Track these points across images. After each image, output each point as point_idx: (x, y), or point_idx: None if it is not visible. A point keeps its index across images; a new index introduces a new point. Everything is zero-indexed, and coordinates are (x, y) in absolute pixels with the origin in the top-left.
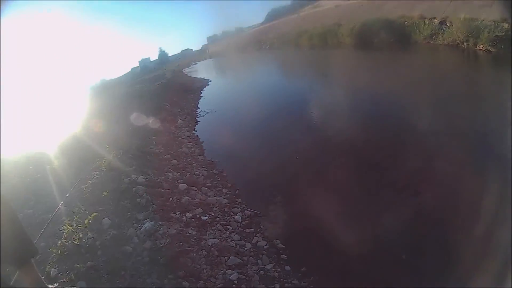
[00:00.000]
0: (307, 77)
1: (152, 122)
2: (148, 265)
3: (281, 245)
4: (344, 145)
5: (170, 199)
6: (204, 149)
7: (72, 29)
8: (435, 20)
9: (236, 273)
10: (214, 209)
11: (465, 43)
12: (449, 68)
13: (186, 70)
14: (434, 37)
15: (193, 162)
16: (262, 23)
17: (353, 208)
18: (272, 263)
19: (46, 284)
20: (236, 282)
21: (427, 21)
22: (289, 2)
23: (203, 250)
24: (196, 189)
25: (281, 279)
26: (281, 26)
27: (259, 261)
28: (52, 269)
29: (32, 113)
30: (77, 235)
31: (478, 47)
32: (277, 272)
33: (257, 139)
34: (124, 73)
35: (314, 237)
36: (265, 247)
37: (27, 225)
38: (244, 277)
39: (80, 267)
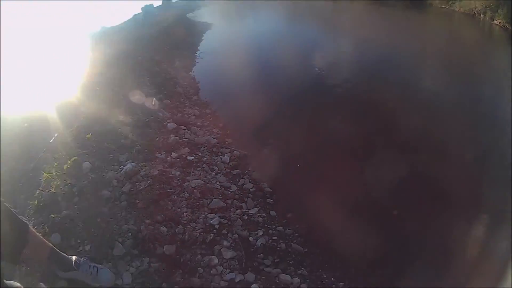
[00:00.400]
0: (310, 26)
1: (147, 64)
2: (125, 210)
3: (268, 189)
4: (342, 95)
5: (157, 138)
6: (200, 89)
7: None
8: None
9: (217, 217)
10: (202, 149)
11: (482, 15)
12: (462, 38)
13: (190, 15)
14: (450, 2)
15: (186, 102)
16: None
17: (348, 160)
18: (257, 207)
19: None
20: (217, 227)
21: None
22: None
23: (186, 192)
24: (186, 128)
25: (265, 225)
26: None
27: (243, 204)
28: (28, 223)
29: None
30: (55, 183)
31: (495, 21)
32: (261, 217)
33: (255, 81)
34: (126, 20)
35: (305, 184)
36: (251, 190)
37: (9, 179)
38: (226, 221)
39: (55, 217)
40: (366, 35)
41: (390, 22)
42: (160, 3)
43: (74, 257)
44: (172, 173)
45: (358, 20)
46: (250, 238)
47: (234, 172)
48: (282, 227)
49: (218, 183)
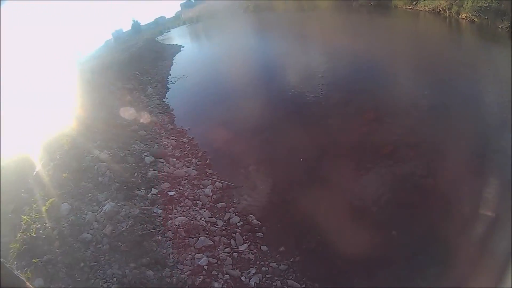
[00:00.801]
0: (279, 39)
1: (119, 93)
2: (108, 253)
3: (256, 221)
4: (320, 110)
5: (135, 174)
6: (174, 117)
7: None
8: None
9: (206, 257)
10: (183, 182)
11: (447, 11)
12: (431, 34)
13: (159, 38)
14: (415, 2)
15: (162, 132)
16: None
17: (335, 178)
18: (247, 242)
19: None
20: (206, 267)
21: None
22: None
23: (170, 231)
24: (164, 161)
25: (257, 262)
26: None
27: (232, 241)
28: (12, 267)
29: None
30: (35, 226)
31: (460, 16)
32: (252, 254)
33: (229, 104)
34: (98, 47)
35: (293, 212)
36: (238, 224)
37: None
38: (215, 261)
39: (37, 262)
40: (337, 43)
41: (358, 27)
42: (129, 27)
43: None
44: (154, 211)
45: (328, 28)
46: (243, 278)
47: (219, 205)
48: (275, 263)
49: (203, 219)
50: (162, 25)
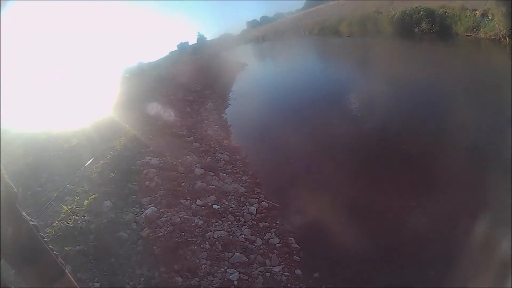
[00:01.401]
0: (343, 66)
1: (179, 104)
2: (141, 255)
3: (295, 245)
4: (378, 140)
5: (183, 183)
6: (231, 133)
7: (112, 11)
8: (477, 11)
9: (237, 273)
10: (229, 197)
11: (507, 38)
12: (493, 65)
13: (224, 54)
14: (475, 29)
15: (217, 146)
16: (301, 9)
17: (383, 211)
18: (282, 264)
19: None
20: (236, 282)
21: (468, 13)
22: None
23: (207, 243)
24: (214, 174)
25: (289, 284)
26: (320, 12)
27: (267, 261)
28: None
29: (65, 91)
30: (73, 217)
31: None
32: (285, 276)
33: (288, 127)
34: (162, 57)
35: (335, 241)
36: (277, 245)
37: (33, 203)
38: (246, 277)
39: (69, 250)
40: (398, 72)
41: (420, 56)
42: (195, 41)
43: None
44: (195, 221)
45: (389, 56)
46: None
47: (261, 224)
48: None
49: (243, 235)
50: (227, 42)
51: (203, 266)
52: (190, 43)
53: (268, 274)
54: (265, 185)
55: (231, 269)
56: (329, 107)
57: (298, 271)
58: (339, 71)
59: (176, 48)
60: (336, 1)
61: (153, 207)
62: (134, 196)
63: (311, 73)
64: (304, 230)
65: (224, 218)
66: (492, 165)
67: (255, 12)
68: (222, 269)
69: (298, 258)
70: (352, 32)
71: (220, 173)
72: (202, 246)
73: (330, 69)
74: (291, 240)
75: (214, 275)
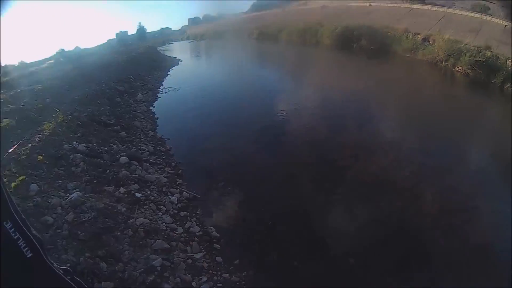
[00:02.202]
0: (276, 69)
1: (110, 92)
2: (66, 240)
3: (215, 234)
4: (301, 139)
5: (108, 171)
6: (157, 125)
7: None
8: (419, 35)
9: (160, 259)
10: (152, 187)
11: (444, 62)
12: (425, 83)
13: (160, 48)
14: (413, 51)
15: (142, 137)
16: (245, 13)
17: (304, 203)
18: (203, 251)
19: None
20: (159, 268)
21: (410, 35)
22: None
23: (130, 229)
24: (138, 164)
25: (210, 271)
26: (264, 18)
27: (188, 248)
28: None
29: None
30: None
31: (456, 68)
32: (206, 263)
33: (214, 122)
34: (100, 44)
35: (254, 230)
36: (198, 233)
37: None
38: (169, 264)
39: None
40: (329, 83)
41: (354, 69)
42: (134, 31)
43: None
44: (118, 208)
45: (325, 67)
46: (193, 283)
47: (182, 213)
48: (228, 274)
49: (164, 223)
50: (166, 36)
51: (126, 252)
52: (129, 33)
53: (190, 261)
54: (187, 177)
55: (154, 255)
56: (250, 105)
57: (219, 258)
58: (268, 74)
59: (114, 37)
60: (281, 9)
61: (78, 192)
62: (60, 181)
63: (240, 73)
64: (223, 220)
65: (146, 206)
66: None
67: (198, 9)
68: (145, 255)
69: (219, 246)
70: (291, 40)
71: (144, 163)
72: (125, 232)
73: (259, 72)
74: (211, 229)
75: (138, 260)
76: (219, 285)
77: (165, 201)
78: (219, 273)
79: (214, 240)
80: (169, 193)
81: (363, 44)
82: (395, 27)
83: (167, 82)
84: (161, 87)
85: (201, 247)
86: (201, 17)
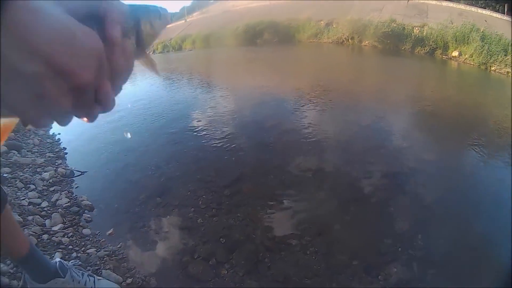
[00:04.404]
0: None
1: None
2: None
3: (87, 202)
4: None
5: None
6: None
7: None
8: (322, 22)
9: None
10: (26, 169)
11: (350, 40)
12: (333, 58)
13: None
14: (318, 35)
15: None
16: None
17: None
18: (65, 224)
19: None
20: None
21: (313, 23)
22: (177, 10)
23: None
24: (17, 151)
25: (70, 246)
26: (167, 32)
27: (48, 221)
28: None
29: None
30: None
31: (363, 44)
32: (68, 237)
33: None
34: None
35: (136, 198)
36: (65, 205)
37: None
38: None
39: None
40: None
41: (261, 60)
42: None
43: (58, 259)
44: None
45: (227, 62)
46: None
47: (52, 189)
48: (94, 249)
49: (27, 199)
50: None
51: None
52: None
53: (45, 236)
54: (70, 158)
55: None
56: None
57: (86, 231)
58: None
59: None
60: (183, 21)
61: None
62: None
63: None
64: (102, 188)
65: (11, 185)
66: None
67: None
68: None
69: (90, 216)
70: (195, 47)
71: (24, 151)
72: None
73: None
74: (82, 197)
75: None
76: (78, 262)
77: (35, 179)
78: (82, 248)
79: (85, 210)
80: (43, 172)
81: (266, 38)
82: (297, 18)
83: None
84: None
85: (65, 219)
86: None
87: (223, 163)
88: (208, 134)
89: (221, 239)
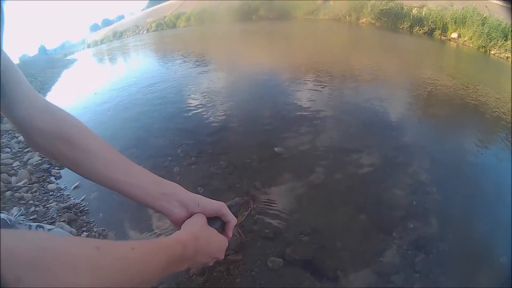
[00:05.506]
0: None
1: None
2: None
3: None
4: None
5: None
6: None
7: None
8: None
9: None
10: (5, 135)
11: (347, 17)
12: (331, 33)
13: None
14: (315, 12)
15: None
16: (143, 9)
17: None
18: (31, 180)
19: None
20: None
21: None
22: None
23: None
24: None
25: (32, 201)
26: (160, 11)
27: (13, 178)
28: None
29: None
30: None
31: (361, 21)
32: (31, 192)
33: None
34: None
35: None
36: (35, 163)
37: None
38: None
39: None
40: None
41: (256, 34)
42: (36, 52)
43: (3, 215)
44: None
45: (221, 38)
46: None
47: (26, 150)
48: (56, 203)
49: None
50: (68, 49)
51: None
52: (30, 55)
53: (8, 193)
54: None
55: None
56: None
57: (51, 186)
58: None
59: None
60: (176, 1)
61: None
62: None
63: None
64: None
65: None
66: None
67: (95, 15)
68: None
69: (58, 171)
70: (189, 24)
71: (4, 119)
72: None
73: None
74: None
75: None
76: (35, 217)
77: (11, 143)
78: (45, 203)
79: (55, 167)
80: (20, 136)
81: (261, 14)
82: None
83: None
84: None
85: (33, 175)
86: (99, 23)
87: (209, 120)
88: (197, 104)
89: (199, 188)
